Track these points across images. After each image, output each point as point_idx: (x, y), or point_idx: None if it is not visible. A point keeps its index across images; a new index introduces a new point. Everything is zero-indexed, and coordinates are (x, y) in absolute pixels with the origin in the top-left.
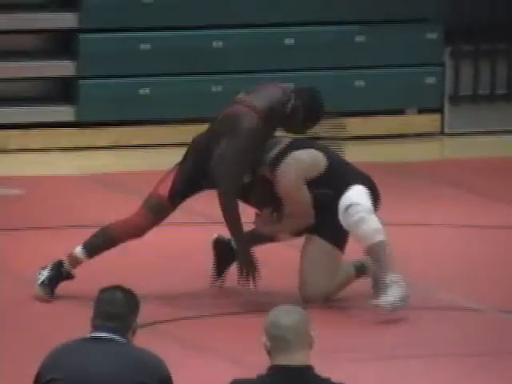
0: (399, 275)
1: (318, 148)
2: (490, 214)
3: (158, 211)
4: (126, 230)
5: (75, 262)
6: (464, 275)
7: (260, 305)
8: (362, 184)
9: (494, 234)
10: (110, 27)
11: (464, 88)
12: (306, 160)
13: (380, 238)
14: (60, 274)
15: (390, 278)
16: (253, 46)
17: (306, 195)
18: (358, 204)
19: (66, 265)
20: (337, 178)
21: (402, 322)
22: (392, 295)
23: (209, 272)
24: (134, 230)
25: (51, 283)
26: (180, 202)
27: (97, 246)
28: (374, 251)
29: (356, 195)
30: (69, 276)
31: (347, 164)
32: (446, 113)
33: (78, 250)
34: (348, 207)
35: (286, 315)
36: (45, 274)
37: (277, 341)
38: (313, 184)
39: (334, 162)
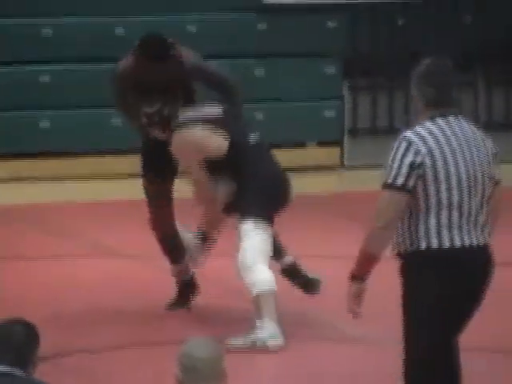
0: (274, 325)
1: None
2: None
3: (148, 198)
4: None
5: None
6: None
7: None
8: (260, 186)
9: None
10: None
11: (362, 121)
12: (198, 139)
13: (260, 289)
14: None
15: (263, 323)
16: None
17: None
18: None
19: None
20: (235, 168)
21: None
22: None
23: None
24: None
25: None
26: (156, 178)
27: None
28: (255, 303)
29: (250, 247)
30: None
31: (261, 156)
32: (346, 145)
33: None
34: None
35: (200, 347)
36: None
37: (189, 372)
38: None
39: (240, 150)
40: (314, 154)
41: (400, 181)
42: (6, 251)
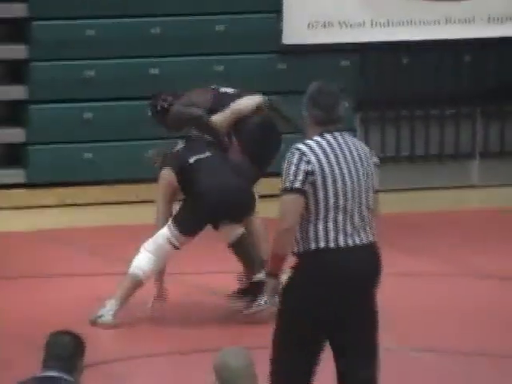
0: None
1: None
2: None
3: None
4: None
5: None
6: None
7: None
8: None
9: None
10: (56, 98)
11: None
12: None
13: (130, 271)
14: None
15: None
16: None
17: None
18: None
19: None
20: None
21: None
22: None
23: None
24: None
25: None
26: None
27: None
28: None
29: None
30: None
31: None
32: None
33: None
34: None
35: (236, 358)
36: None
37: (225, 381)
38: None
39: (180, 172)
40: None
41: (297, 185)
42: (54, 269)
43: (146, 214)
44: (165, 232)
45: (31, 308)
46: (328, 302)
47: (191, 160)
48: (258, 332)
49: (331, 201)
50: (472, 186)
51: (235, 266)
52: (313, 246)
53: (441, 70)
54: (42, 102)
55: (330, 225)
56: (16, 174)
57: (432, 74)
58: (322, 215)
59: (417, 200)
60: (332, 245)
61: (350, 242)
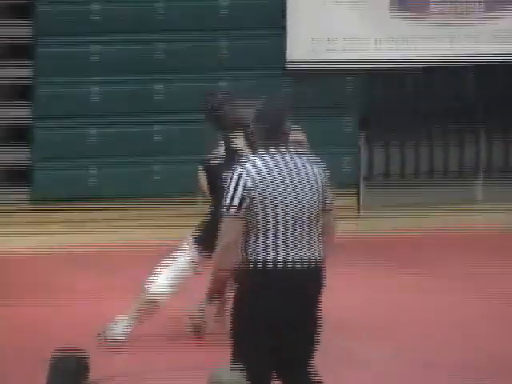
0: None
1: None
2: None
3: None
4: None
5: None
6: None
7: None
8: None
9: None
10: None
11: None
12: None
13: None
14: None
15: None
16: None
17: None
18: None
19: None
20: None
21: None
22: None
23: None
24: None
25: None
26: None
27: None
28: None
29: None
30: None
31: None
32: (361, 191)
33: None
34: None
35: (228, 373)
36: None
37: None
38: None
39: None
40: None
41: (234, 207)
42: (59, 287)
43: (150, 234)
44: (186, 252)
45: (36, 325)
46: (270, 315)
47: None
48: None
49: (271, 217)
50: (476, 203)
51: None
52: (254, 260)
53: (445, 87)
54: (47, 119)
55: (270, 240)
56: (22, 193)
57: (436, 92)
58: (262, 231)
59: (421, 217)
60: (272, 260)
61: (290, 258)
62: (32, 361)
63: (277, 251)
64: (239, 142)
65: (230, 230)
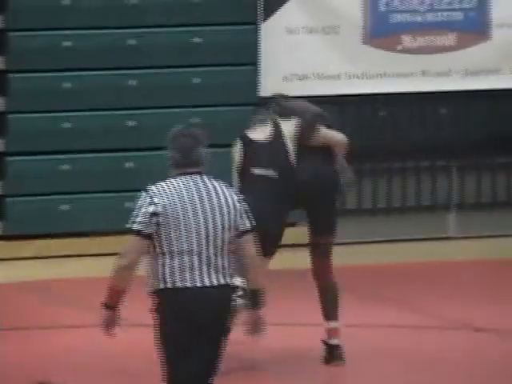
0: None
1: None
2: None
3: None
4: None
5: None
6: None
7: None
8: None
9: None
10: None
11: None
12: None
13: None
14: None
15: None
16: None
17: None
18: None
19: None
20: None
21: None
22: None
23: None
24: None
25: None
26: None
27: None
28: None
29: None
30: None
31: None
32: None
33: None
34: None
35: None
36: None
37: None
38: None
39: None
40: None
41: (139, 227)
42: (30, 321)
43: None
44: None
45: (5, 359)
46: (178, 338)
47: (255, 171)
48: None
49: (178, 242)
50: (448, 238)
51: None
52: (161, 285)
53: (417, 122)
54: (19, 154)
55: (176, 265)
56: None
57: (408, 126)
58: (168, 255)
59: (393, 252)
60: (179, 285)
61: (198, 283)
62: None
63: (183, 277)
64: (287, 127)
65: (132, 249)
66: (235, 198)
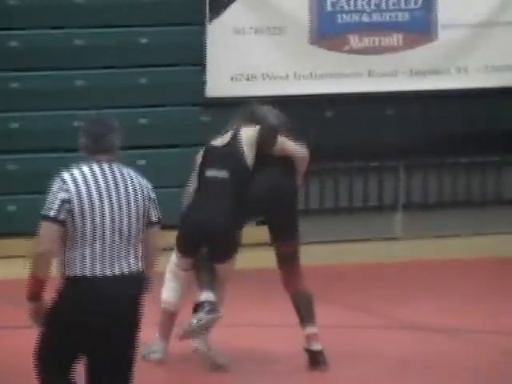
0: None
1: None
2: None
3: None
4: None
5: None
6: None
7: None
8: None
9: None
10: None
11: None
12: None
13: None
14: None
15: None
16: None
17: None
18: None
19: None
20: None
21: None
22: None
23: None
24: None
25: None
26: None
27: None
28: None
29: None
30: None
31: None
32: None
33: None
34: None
35: None
36: None
37: None
38: None
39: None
40: (255, 231)
41: (53, 213)
42: None
43: None
44: (173, 254)
45: None
46: (84, 328)
47: (208, 173)
48: None
49: (89, 229)
50: (395, 238)
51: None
52: (71, 272)
53: (364, 122)
54: None
55: (87, 253)
56: None
57: (355, 126)
58: (79, 243)
59: (340, 252)
60: (88, 273)
61: (108, 272)
62: None
63: (93, 265)
64: (247, 133)
65: (45, 237)
66: (146, 187)
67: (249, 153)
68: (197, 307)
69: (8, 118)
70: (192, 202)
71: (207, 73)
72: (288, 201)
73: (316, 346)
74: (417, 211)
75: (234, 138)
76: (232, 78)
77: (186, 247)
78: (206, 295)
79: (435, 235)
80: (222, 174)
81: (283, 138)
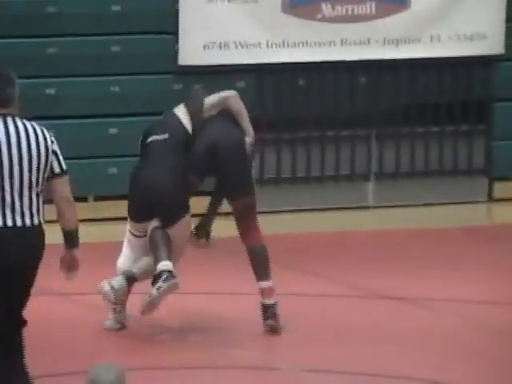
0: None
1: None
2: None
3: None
4: None
5: None
6: (264, 336)
7: None
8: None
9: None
10: None
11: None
12: None
13: None
14: None
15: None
16: None
17: None
18: None
19: None
20: None
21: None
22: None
23: None
24: None
25: None
26: None
27: None
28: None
29: None
30: None
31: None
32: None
33: None
34: None
35: (106, 372)
36: None
37: None
38: None
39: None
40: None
41: None
42: None
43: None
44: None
45: None
46: None
47: (149, 139)
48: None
49: None
50: (367, 207)
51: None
52: None
53: (337, 91)
54: None
55: None
56: None
57: (328, 95)
58: None
59: (311, 221)
60: None
61: (9, 222)
62: None
63: None
64: (179, 109)
65: None
66: (48, 139)
67: (185, 118)
68: (155, 278)
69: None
70: (135, 168)
71: (180, 41)
72: (232, 151)
73: (268, 300)
74: (388, 180)
75: (168, 114)
76: (205, 46)
77: (133, 212)
78: (163, 264)
79: (407, 204)
80: (162, 136)
81: (204, 100)
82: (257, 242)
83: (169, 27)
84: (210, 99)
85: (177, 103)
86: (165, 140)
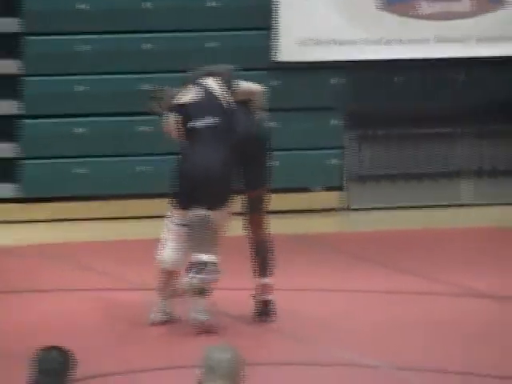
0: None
1: None
2: (379, 279)
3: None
4: None
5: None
6: (360, 335)
7: None
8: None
9: (381, 298)
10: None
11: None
12: None
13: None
14: None
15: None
16: None
17: None
18: None
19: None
20: None
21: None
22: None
23: None
24: None
25: None
26: None
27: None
28: None
29: None
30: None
31: None
32: (350, 190)
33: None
34: None
35: (222, 351)
36: None
37: (208, 371)
38: None
39: None
40: (319, 197)
41: None
42: (44, 284)
43: (136, 230)
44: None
45: (20, 322)
46: None
47: (193, 123)
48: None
49: None
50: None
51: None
52: None
53: (431, 88)
54: (35, 117)
55: None
56: (8, 189)
57: (423, 92)
58: None
59: (405, 218)
60: None
61: None
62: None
63: None
64: (212, 83)
65: None
66: None
67: (223, 97)
68: (195, 267)
69: (75, 81)
70: (183, 155)
71: (275, 37)
72: (258, 139)
73: (268, 297)
74: (489, 178)
75: (206, 91)
76: (300, 43)
77: (181, 197)
78: (209, 256)
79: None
80: (209, 120)
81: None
82: (266, 237)
83: (265, 23)
84: (242, 84)
85: (271, 99)
86: (213, 127)
